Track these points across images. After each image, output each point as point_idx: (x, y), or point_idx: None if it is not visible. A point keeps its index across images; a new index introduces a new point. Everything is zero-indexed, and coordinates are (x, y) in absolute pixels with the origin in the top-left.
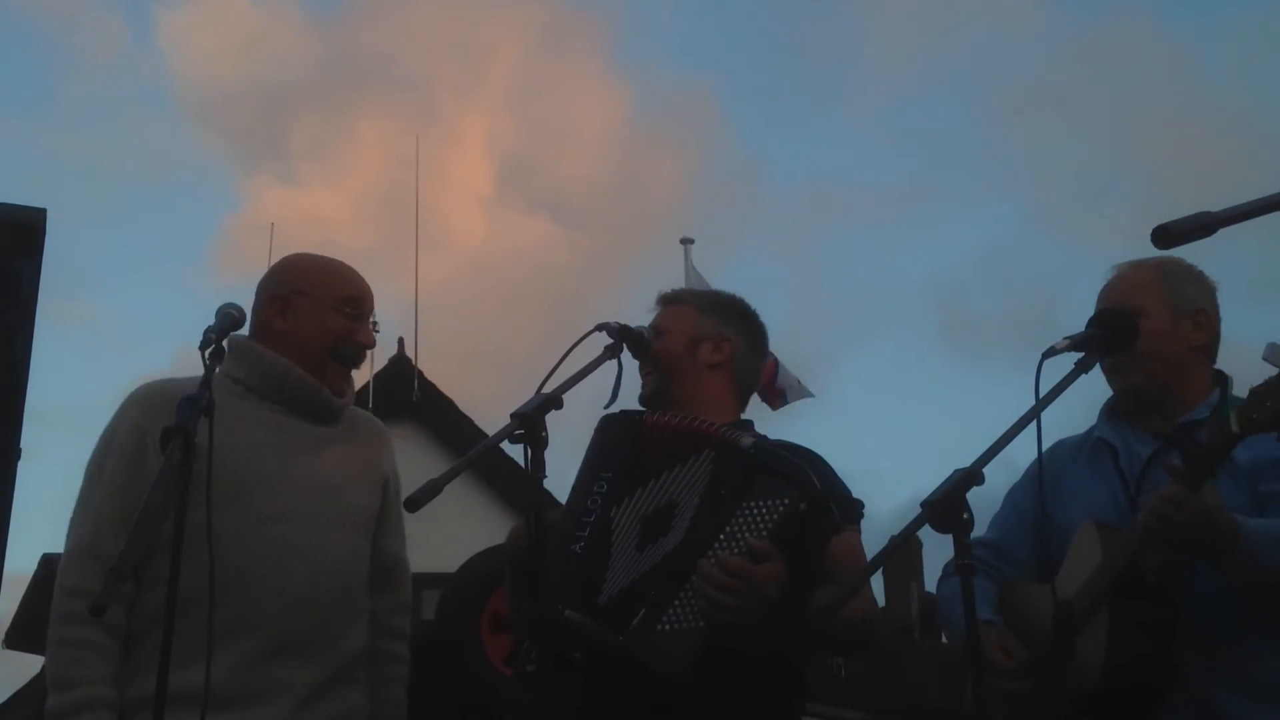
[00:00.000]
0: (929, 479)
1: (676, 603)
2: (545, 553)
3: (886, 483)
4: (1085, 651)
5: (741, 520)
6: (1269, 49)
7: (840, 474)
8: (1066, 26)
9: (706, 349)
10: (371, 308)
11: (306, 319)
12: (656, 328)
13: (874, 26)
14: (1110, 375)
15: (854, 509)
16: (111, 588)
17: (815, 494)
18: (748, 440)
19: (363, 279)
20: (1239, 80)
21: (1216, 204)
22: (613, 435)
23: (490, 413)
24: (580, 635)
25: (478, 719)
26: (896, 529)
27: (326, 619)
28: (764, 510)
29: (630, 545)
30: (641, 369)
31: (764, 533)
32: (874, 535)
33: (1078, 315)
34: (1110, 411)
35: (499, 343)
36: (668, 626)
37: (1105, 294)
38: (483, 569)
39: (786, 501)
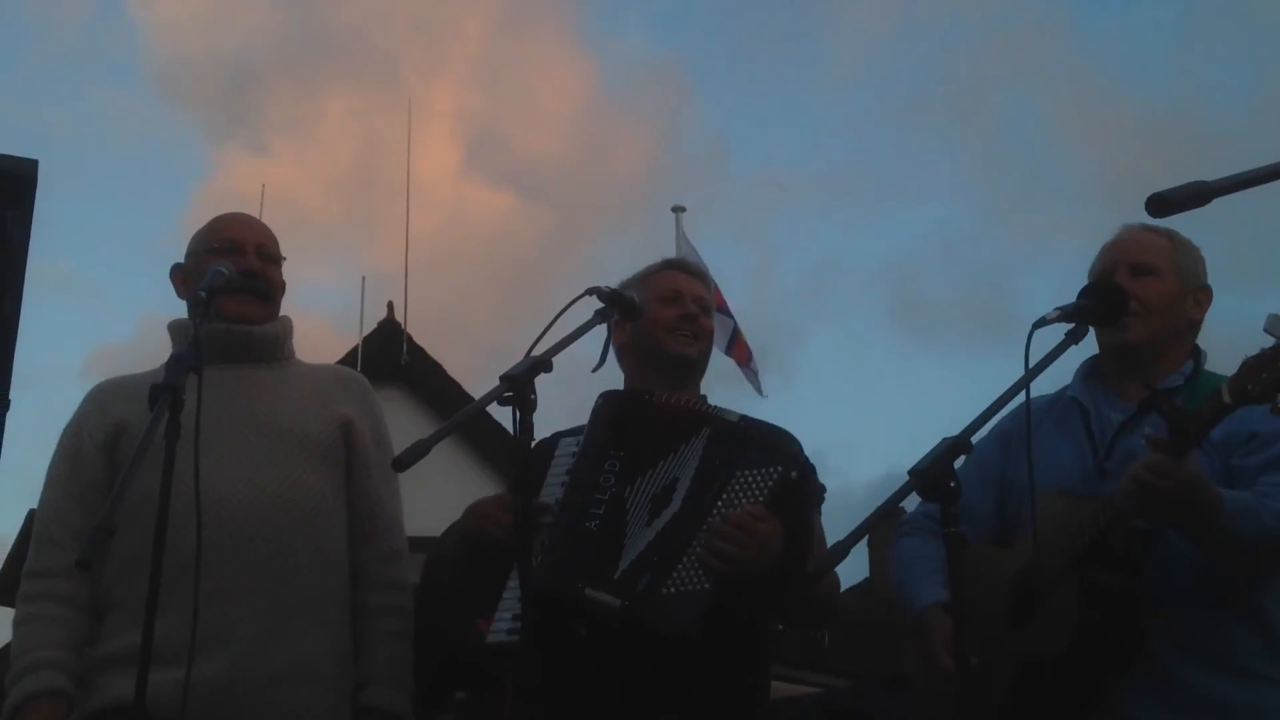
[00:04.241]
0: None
1: (680, 567)
2: (532, 526)
3: (859, 456)
4: (1051, 618)
5: (737, 487)
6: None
7: (811, 448)
8: (1030, 18)
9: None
10: (254, 240)
11: (195, 275)
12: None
13: (841, 10)
14: (1113, 331)
15: (817, 493)
16: (95, 544)
17: (805, 463)
18: (735, 415)
19: (242, 220)
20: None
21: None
22: (621, 414)
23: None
24: (585, 608)
25: (466, 684)
26: (868, 501)
27: (269, 557)
28: (758, 478)
29: (641, 523)
30: (685, 332)
31: (759, 498)
32: (849, 509)
33: (1027, 301)
34: (1087, 373)
35: (463, 313)
36: (673, 589)
37: (1113, 250)
38: None
39: (779, 469)
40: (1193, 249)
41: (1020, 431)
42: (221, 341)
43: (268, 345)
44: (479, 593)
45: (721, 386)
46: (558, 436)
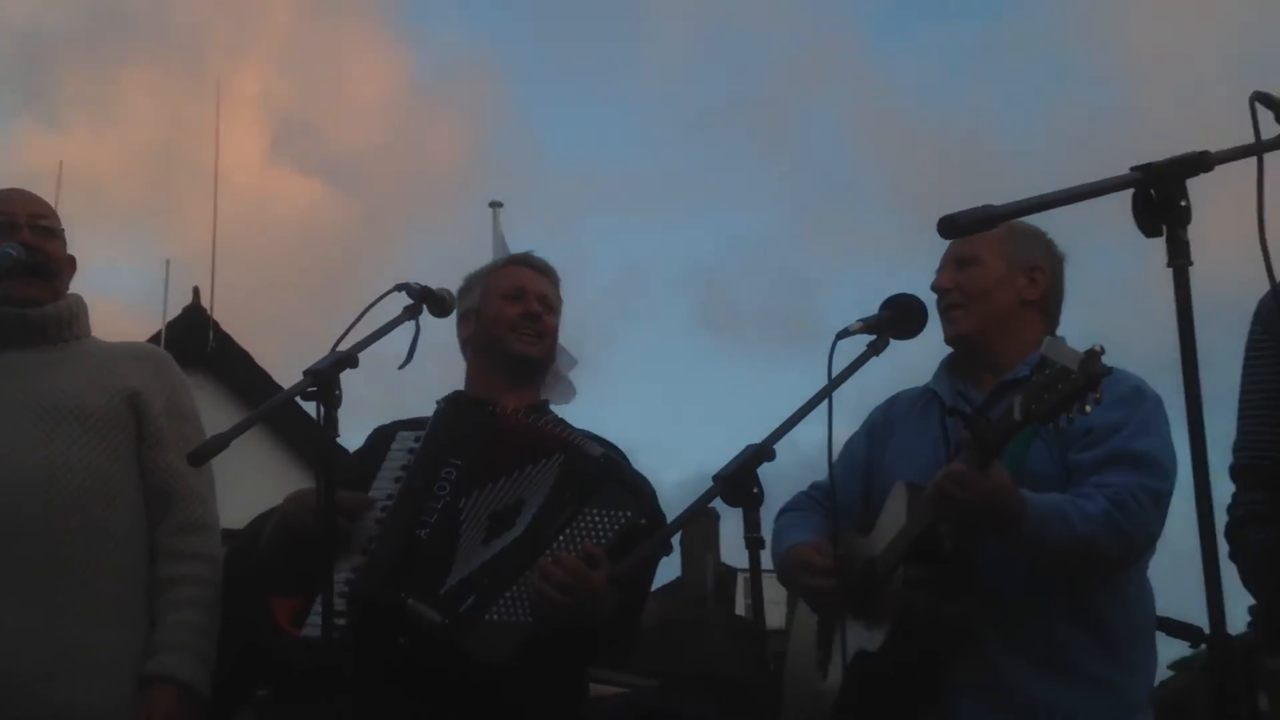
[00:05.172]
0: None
1: (508, 595)
2: (334, 519)
3: (670, 456)
4: (878, 611)
5: (582, 525)
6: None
7: (621, 448)
8: (831, 37)
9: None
10: (26, 213)
11: None
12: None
13: (656, 15)
14: (942, 323)
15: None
16: None
17: (655, 512)
18: (598, 450)
19: (12, 194)
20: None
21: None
22: (463, 422)
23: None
24: (405, 617)
25: (263, 679)
26: (680, 501)
27: (34, 546)
28: (604, 519)
29: (477, 539)
30: (528, 330)
31: (602, 541)
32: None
33: (834, 309)
34: (948, 367)
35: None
36: (496, 617)
37: (948, 246)
38: None
39: (628, 514)
40: (1032, 236)
41: (885, 422)
42: (2, 327)
43: (51, 326)
44: (292, 582)
45: None
46: (396, 427)
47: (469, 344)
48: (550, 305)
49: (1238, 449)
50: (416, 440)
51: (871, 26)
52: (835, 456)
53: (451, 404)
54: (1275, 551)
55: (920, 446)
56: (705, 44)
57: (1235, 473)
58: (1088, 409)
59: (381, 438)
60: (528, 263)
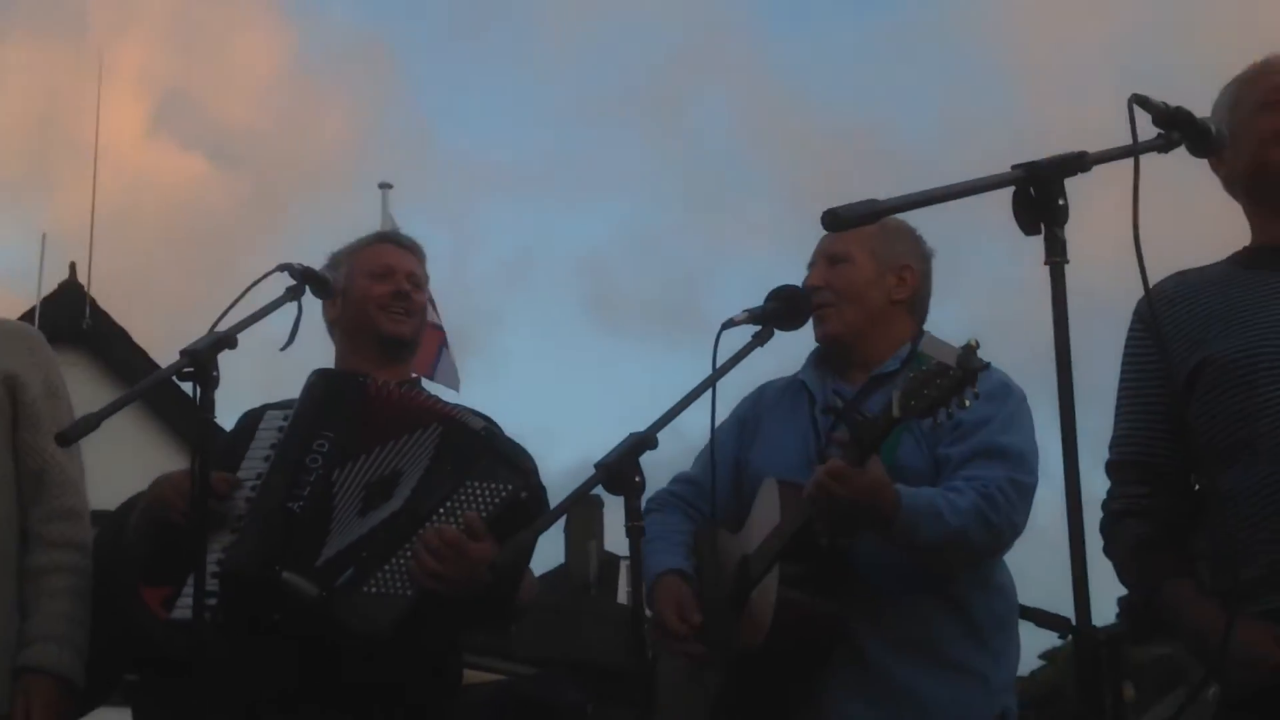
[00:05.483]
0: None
1: (387, 567)
2: (218, 501)
3: (556, 443)
4: (756, 608)
5: (463, 497)
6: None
7: (509, 433)
8: (726, 29)
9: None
10: None
11: None
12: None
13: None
14: (815, 326)
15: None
16: None
17: (537, 485)
18: (480, 422)
19: None
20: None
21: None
22: (334, 394)
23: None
24: (280, 592)
25: (133, 664)
26: (566, 488)
27: None
28: (486, 491)
29: (353, 510)
30: (397, 309)
31: (483, 513)
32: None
33: (720, 298)
34: (818, 360)
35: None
36: (374, 589)
37: (820, 241)
38: None
39: (509, 487)
40: (902, 233)
41: (754, 414)
42: None
43: None
44: (161, 567)
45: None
46: (265, 408)
47: (337, 324)
48: (418, 283)
49: (1115, 444)
50: (285, 419)
51: (763, 18)
52: (706, 445)
53: (321, 378)
54: (1151, 545)
55: (789, 440)
56: (598, 32)
57: (1113, 467)
58: (966, 403)
59: (250, 419)
60: (394, 240)
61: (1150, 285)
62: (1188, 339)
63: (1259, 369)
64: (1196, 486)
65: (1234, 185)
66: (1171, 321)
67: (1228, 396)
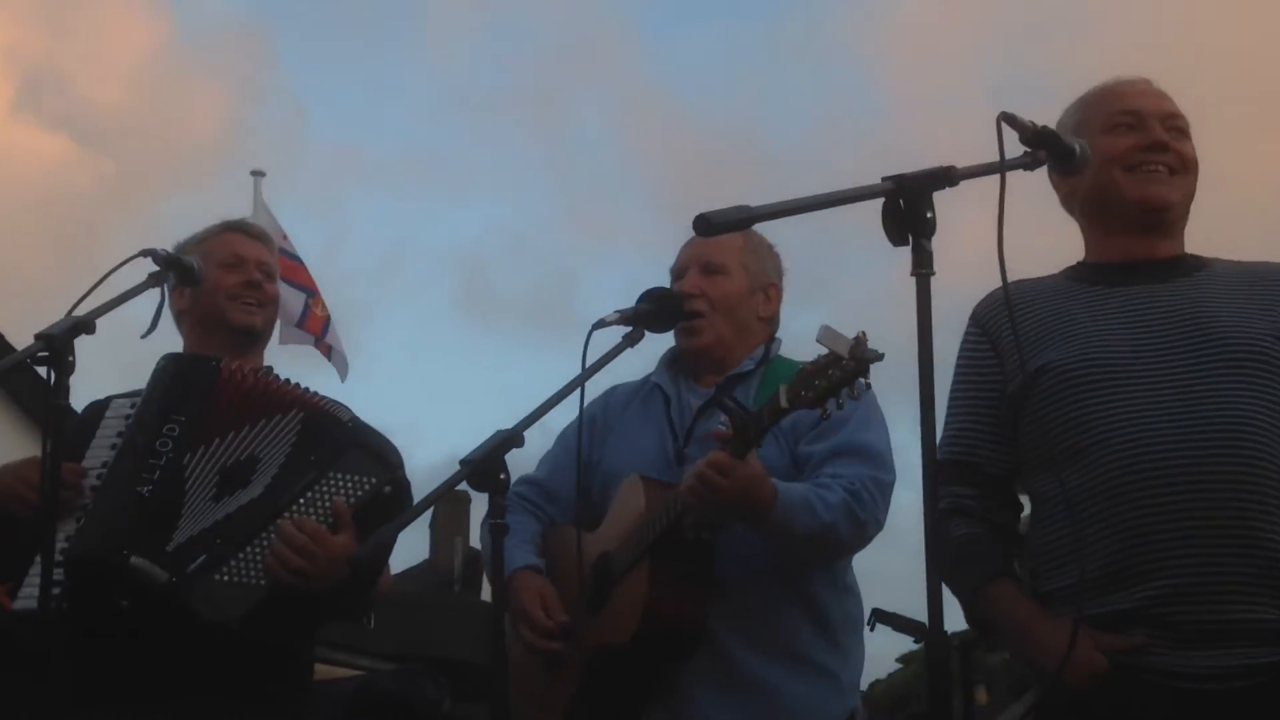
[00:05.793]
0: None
1: (242, 555)
2: (65, 489)
3: (424, 437)
4: (621, 604)
5: (325, 487)
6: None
7: (376, 427)
8: (603, 33)
9: None
10: None
11: None
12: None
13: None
14: (681, 335)
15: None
16: None
17: (402, 479)
18: (348, 413)
19: None
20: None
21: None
22: (184, 377)
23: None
24: (129, 578)
25: None
26: (432, 483)
27: None
28: (349, 484)
29: (206, 495)
30: (248, 299)
31: (348, 504)
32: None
33: (592, 298)
34: (670, 362)
35: (9, 260)
36: (226, 578)
37: (689, 248)
38: None
39: (373, 480)
40: (765, 248)
41: (603, 417)
42: None
43: None
44: (5, 558)
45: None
46: (110, 399)
47: (186, 314)
48: (269, 272)
49: (945, 444)
50: (133, 406)
51: (645, 22)
52: (552, 447)
53: (172, 361)
54: (975, 545)
55: (646, 441)
56: (479, 30)
57: (940, 467)
58: (856, 395)
59: (95, 409)
60: (243, 229)
61: (988, 293)
62: (1026, 345)
63: (1093, 377)
64: (1020, 492)
65: (1072, 203)
66: (1010, 327)
67: (1065, 403)
